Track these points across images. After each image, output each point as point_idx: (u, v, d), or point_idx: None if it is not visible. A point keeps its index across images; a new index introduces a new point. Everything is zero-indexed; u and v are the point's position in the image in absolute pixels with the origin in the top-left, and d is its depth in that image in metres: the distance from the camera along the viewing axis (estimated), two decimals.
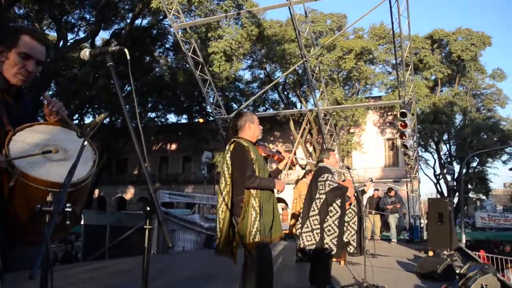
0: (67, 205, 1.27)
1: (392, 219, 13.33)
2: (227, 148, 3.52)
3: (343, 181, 5.42)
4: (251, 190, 3.28)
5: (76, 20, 25.77)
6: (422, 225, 15.94)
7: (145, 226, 1.40)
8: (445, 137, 28.35)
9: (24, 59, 1.91)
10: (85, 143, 1.51)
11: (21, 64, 1.91)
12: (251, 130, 3.53)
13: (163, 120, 34.07)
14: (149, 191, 1.39)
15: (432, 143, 28.90)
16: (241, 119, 3.56)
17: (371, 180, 6.80)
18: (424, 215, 17.07)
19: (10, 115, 1.89)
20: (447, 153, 29.43)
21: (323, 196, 4.86)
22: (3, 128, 1.83)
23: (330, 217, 4.87)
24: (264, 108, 29.56)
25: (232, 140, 3.51)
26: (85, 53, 1.76)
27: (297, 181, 8.10)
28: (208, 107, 21.62)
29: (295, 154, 4.99)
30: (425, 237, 14.61)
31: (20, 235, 1.82)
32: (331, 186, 4.83)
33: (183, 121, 35.11)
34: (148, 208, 1.39)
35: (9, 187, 1.62)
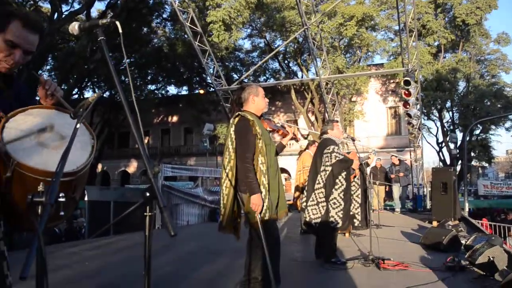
0: (61, 195, 1.18)
1: (395, 189, 13.34)
2: (231, 121, 3.42)
3: (348, 152, 5.34)
4: (261, 167, 3.19)
5: None
6: (425, 194, 16.00)
7: (145, 213, 1.32)
8: (448, 104, 28.08)
9: (11, 47, 1.76)
10: (78, 125, 1.41)
11: (6, 52, 1.76)
12: (254, 103, 3.41)
13: (163, 92, 33.87)
14: (148, 177, 1.29)
15: (434, 111, 28.67)
16: (244, 92, 3.44)
17: (375, 152, 6.73)
18: (427, 184, 17.11)
19: (1, 101, 1.77)
20: (450, 121, 29.25)
21: (329, 169, 4.79)
22: None
23: (336, 189, 4.82)
24: (265, 77, 29.23)
25: (236, 113, 3.40)
26: (74, 27, 1.62)
27: (300, 152, 8.03)
28: (208, 78, 21.35)
29: (283, 126, 4.93)
30: (428, 207, 14.69)
31: (17, 224, 1.76)
32: (337, 158, 4.75)
33: (184, 92, 34.91)
34: (148, 194, 1.30)
35: (6, 178, 1.54)
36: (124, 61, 24.81)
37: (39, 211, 1.14)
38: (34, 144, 1.62)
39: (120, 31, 1.50)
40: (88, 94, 30.85)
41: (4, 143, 1.56)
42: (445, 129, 28.97)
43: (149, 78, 31.21)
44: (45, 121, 1.73)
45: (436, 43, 26.31)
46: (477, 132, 28.37)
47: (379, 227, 8.48)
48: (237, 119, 3.37)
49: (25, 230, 1.78)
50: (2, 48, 1.75)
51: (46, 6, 24.69)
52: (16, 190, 1.56)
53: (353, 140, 5.18)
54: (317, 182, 4.89)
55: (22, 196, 1.52)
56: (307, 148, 7.79)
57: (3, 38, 1.74)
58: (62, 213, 1.32)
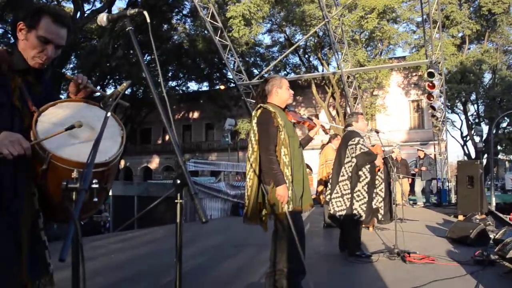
0: (94, 181, 1.20)
1: (417, 183, 13.14)
2: (253, 113, 3.42)
3: (373, 145, 5.27)
4: (284, 159, 3.19)
5: None
6: (450, 188, 15.70)
7: (176, 201, 1.33)
8: (473, 97, 27.41)
9: (44, 43, 1.80)
10: (108, 114, 1.43)
11: (39, 48, 1.80)
12: (278, 95, 3.39)
13: (184, 88, 34.10)
14: (179, 164, 1.30)
15: (459, 104, 28.06)
16: (268, 84, 3.42)
17: (399, 146, 6.62)
18: (452, 178, 16.78)
19: (33, 95, 1.82)
20: (475, 113, 28.58)
21: (354, 160, 4.74)
22: (28, 109, 1.77)
23: (360, 182, 4.77)
24: (285, 72, 29.12)
25: (258, 105, 3.39)
26: (102, 18, 1.65)
27: (322, 146, 7.96)
28: (229, 74, 21.39)
29: (310, 118, 4.88)
30: (453, 201, 14.42)
31: (52, 216, 1.82)
32: (362, 150, 4.69)
33: (204, 88, 35.11)
34: (179, 181, 1.31)
35: (42, 170, 1.59)
36: (145, 57, 24.97)
37: (74, 197, 1.16)
38: (66, 136, 1.66)
39: (148, 20, 1.51)
40: (110, 91, 31.29)
41: (38, 136, 1.59)
42: (469, 122, 28.34)
43: (170, 74, 31.47)
44: (76, 115, 1.78)
45: (460, 34, 25.68)
46: (504, 125, 27.64)
47: (403, 221, 8.36)
48: (259, 111, 3.36)
49: (59, 221, 1.83)
50: (35, 44, 1.79)
51: (69, 6, 25.14)
52: (51, 182, 1.61)
53: (377, 132, 5.11)
54: (341, 174, 4.85)
55: (56, 187, 1.56)
56: (329, 141, 7.73)
57: (35, 34, 1.78)
58: (95, 199, 1.34)
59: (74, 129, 1.65)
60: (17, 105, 1.74)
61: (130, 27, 1.52)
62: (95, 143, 1.30)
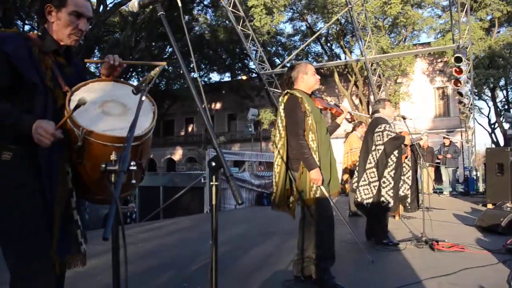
0: (132, 163, 1.22)
1: (443, 171, 12.90)
2: (280, 99, 3.42)
3: (400, 133, 5.19)
4: (311, 144, 3.17)
5: None
6: (477, 176, 15.36)
7: (211, 183, 1.34)
8: (502, 82, 26.59)
9: (76, 18, 1.87)
10: (143, 98, 1.45)
11: (74, 24, 1.86)
12: (304, 81, 3.39)
13: (206, 79, 34.21)
14: (214, 146, 1.31)
15: (486, 90, 27.27)
16: (293, 71, 3.42)
17: (427, 134, 6.49)
18: (479, 167, 16.40)
19: (64, 76, 1.88)
20: (504, 100, 27.77)
21: (381, 147, 4.68)
22: (60, 89, 1.83)
23: (386, 168, 4.71)
24: (307, 61, 28.86)
25: (285, 91, 3.38)
26: (134, 4, 1.67)
27: (347, 135, 7.91)
28: (251, 64, 21.32)
29: (337, 105, 4.77)
30: (481, 189, 14.10)
31: (88, 195, 1.87)
32: (389, 136, 4.63)
33: (226, 79, 35.13)
34: (214, 164, 1.31)
35: (77, 148, 1.63)
36: (166, 49, 25.08)
37: (113, 179, 1.18)
38: (99, 113, 1.72)
39: (180, 5, 1.51)
40: (133, 83, 31.68)
41: (73, 115, 1.63)
42: (498, 109, 27.56)
43: (191, 66, 31.60)
44: (107, 93, 1.83)
45: (489, 17, 24.82)
46: None
47: (430, 209, 8.24)
48: (286, 97, 3.36)
49: (96, 201, 1.87)
50: (69, 21, 1.85)
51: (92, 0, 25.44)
52: (87, 159, 1.65)
53: (404, 118, 5.02)
54: (368, 161, 4.80)
55: (93, 165, 1.61)
56: (353, 129, 7.66)
57: (66, 12, 1.84)
58: (133, 181, 1.37)
59: (106, 106, 1.70)
60: (50, 86, 1.79)
61: (162, 12, 1.53)
62: (131, 126, 1.32)
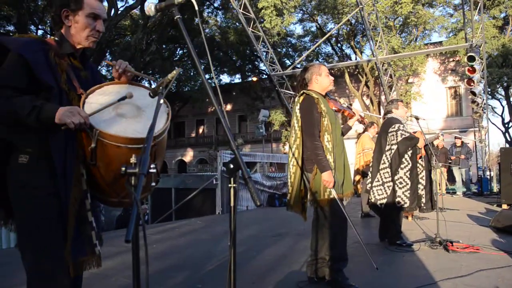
0: (152, 166, 1.23)
1: (456, 171, 12.77)
2: (296, 100, 3.42)
3: (414, 133, 5.15)
4: (327, 145, 3.17)
5: None
6: (491, 176, 15.17)
7: (229, 185, 1.35)
8: None
9: (93, 20, 1.91)
10: (161, 101, 1.46)
11: (91, 26, 1.91)
12: (318, 82, 3.39)
13: (216, 81, 34.29)
14: (232, 148, 1.32)
15: (500, 89, 26.93)
16: (307, 73, 3.42)
17: (442, 134, 6.41)
18: (493, 167, 16.20)
19: (80, 79, 1.92)
20: None
21: (395, 147, 4.66)
22: (75, 92, 1.87)
23: (402, 168, 4.68)
24: (317, 62, 28.79)
25: (301, 92, 3.39)
26: (150, 8, 1.69)
27: (358, 136, 7.87)
28: (262, 65, 21.32)
29: (350, 107, 4.74)
30: (495, 190, 13.93)
31: (102, 197, 1.88)
32: (403, 136, 4.61)
33: (237, 81, 35.21)
34: (232, 166, 1.32)
35: (91, 149, 1.66)
36: (177, 51, 25.13)
37: (133, 181, 1.19)
38: (113, 115, 1.75)
39: (196, 7, 1.52)
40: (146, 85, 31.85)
41: (87, 116, 1.66)
42: None
43: (202, 68, 31.72)
44: (121, 95, 1.85)
45: (502, 15, 24.52)
46: None
47: (443, 210, 8.16)
48: (302, 97, 3.36)
49: (110, 203, 1.88)
50: (86, 23, 1.89)
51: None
52: (101, 161, 1.68)
53: (417, 119, 4.99)
54: (382, 162, 4.78)
55: (106, 166, 1.63)
56: (365, 130, 7.62)
57: (83, 14, 1.88)
58: (153, 183, 1.38)
59: (120, 109, 1.72)
60: (64, 88, 1.82)
61: (179, 16, 1.55)
62: (150, 128, 1.33)
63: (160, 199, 10.79)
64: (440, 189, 10.70)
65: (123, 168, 1.20)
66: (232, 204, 1.33)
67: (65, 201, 1.75)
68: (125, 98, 1.68)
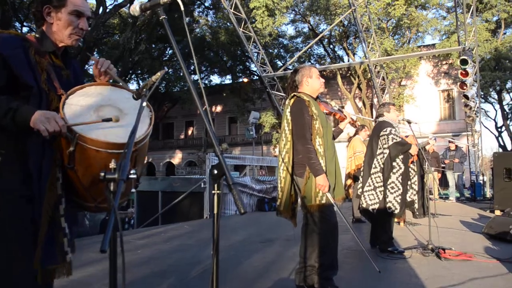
0: (132, 171, 1.20)
1: (449, 176, 12.85)
2: (286, 103, 3.41)
3: (406, 137, 5.16)
4: (319, 149, 3.16)
5: None
6: (484, 181, 15.31)
7: (213, 191, 1.32)
8: (509, 85, 26.55)
9: (77, 18, 1.88)
10: (144, 103, 1.43)
11: (75, 23, 1.87)
12: (309, 84, 3.38)
13: (206, 82, 34.27)
14: (216, 153, 1.29)
15: (493, 93, 27.25)
16: (298, 75, 3.41)
17: (435, 138, 6.43)
18: (486, 171, 16.35)
19: (60, 79, 1.88)
20: (511, 102, 27.73)
21: (387, 151, 4.67)
22: (55, 92, 1.82)
23: (393, 173, 4.69)
24: (309, 63, 28.88)
25: (292, 94, 3.37)
26: (135, 8, 1.67)
27: (349, 139, 7.87)
28: (252, 66, 21.33)
29: (341, 110, 4.74)
30: (488, 195, 14.05)
31: (79, 202, 1.84)
32: (394, 140, 4.61)
33: (227, 81, 35.21)
34: (216, 172, 1.30)
35: (69, 152, 1.63)
36: (167, 51, 25.02)
37: (112, 187, 1.16)
38: (94, 118, 1.70)
39: (182, 8, 1.50)
40: (132, 86, 31.77)
41: (66, 118, 1.63)
42: (505, 112, 27.52)
43: (192, 68, 31.71)
44: (103, 98, 1.82)
45: (495, 18, 24.82)
46: None
47: (436, 216, 8.20)
48: (292, 100, 3.35)
49: (86, 208, 1.83)
50: (69, 21, 1.85)
51: (91, 1, 25.53)
52: (79, 165, 1.64)
53: (409, 122, 5.00)
54: (373, 166, 4.78)
55: (85, 170, 1.60)
56: (356, 133, 7.64)
57: (66, 11, 1.84)
58: (133, 190, 1.35)
59: (102, 111, 1.69)
60: (44, 88, 1.78)
61: (164, 16, 1.52)
62: (131, 132, 1.30)
63: (146, 203, 10.69)
64: (432, 194, 10.77)
65: (102, 174, 1.17)
66: (215, 211, 1.30)
67: (38, 206, 1.70)
68: (110, 120, 1.63)
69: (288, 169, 3.23)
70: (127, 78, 30.01)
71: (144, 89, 1.51)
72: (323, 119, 3.30)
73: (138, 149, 1.70)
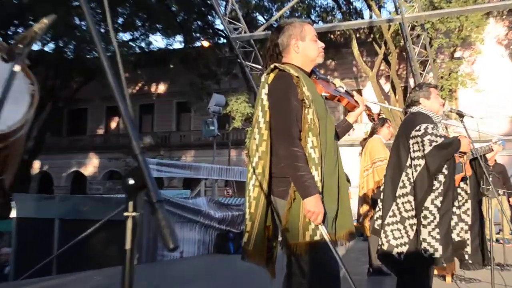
0: None
1: None
2: (262, 79, 3.39)
3: (456, 137, 5.23)
4: (312, 154, 3.13)
5: None
6: None
7: (125, 213, 1.30)
8: None
9: None
10: (17, 67, 1.42)
11: None
12: (299, 51, 3.40)
13: (143, 45, 34.08)
14: (134, 152, 1.28)
15: None
16: (283, 36, 3.43)
17: (502, 142, 6.49)
18: None
19: None
20: None
21: (421, 162, 4.68)
22: None
23: (429, 195, 4.71)
24: (301, 19, 29.01)
25: (272, 66, 3.36)
26: None
27: (364, 141, 7.85)
28: (218, 22, 21.33)
29: (350, 93, 4.64)
30: None
31: None
32: (433, 144, 4.63)
33: (177, 46, 35.11)
34: (132, 182, 1.29)
35: None
36: None
37: None
38: None
39: None
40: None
41: None
42: None
43: (120, 21, 31.42)
44: None
45: None
46: None
47: (505, 268, 8.32)
48: (272, 75, 3.34)
49: None
50: None
51: None
52: None
53: (461, 116, 5.08)
54: (400, 184, 4.78)
55: None
56: (373, 132, 7.62)
57: None
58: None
59: None
60: None
61: None
62: None
63: (32, 238, 10.57)
64: (499, 232, 10.94)
65: None
66: (127, 246, 1.29)
67: None
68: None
69: (262, 186, 3.20)
70: (7, 31, 29.54)
71: (20, 45, 1.49)
72: (321, 107, 3.29)
73: (10, 145, 1.69)
